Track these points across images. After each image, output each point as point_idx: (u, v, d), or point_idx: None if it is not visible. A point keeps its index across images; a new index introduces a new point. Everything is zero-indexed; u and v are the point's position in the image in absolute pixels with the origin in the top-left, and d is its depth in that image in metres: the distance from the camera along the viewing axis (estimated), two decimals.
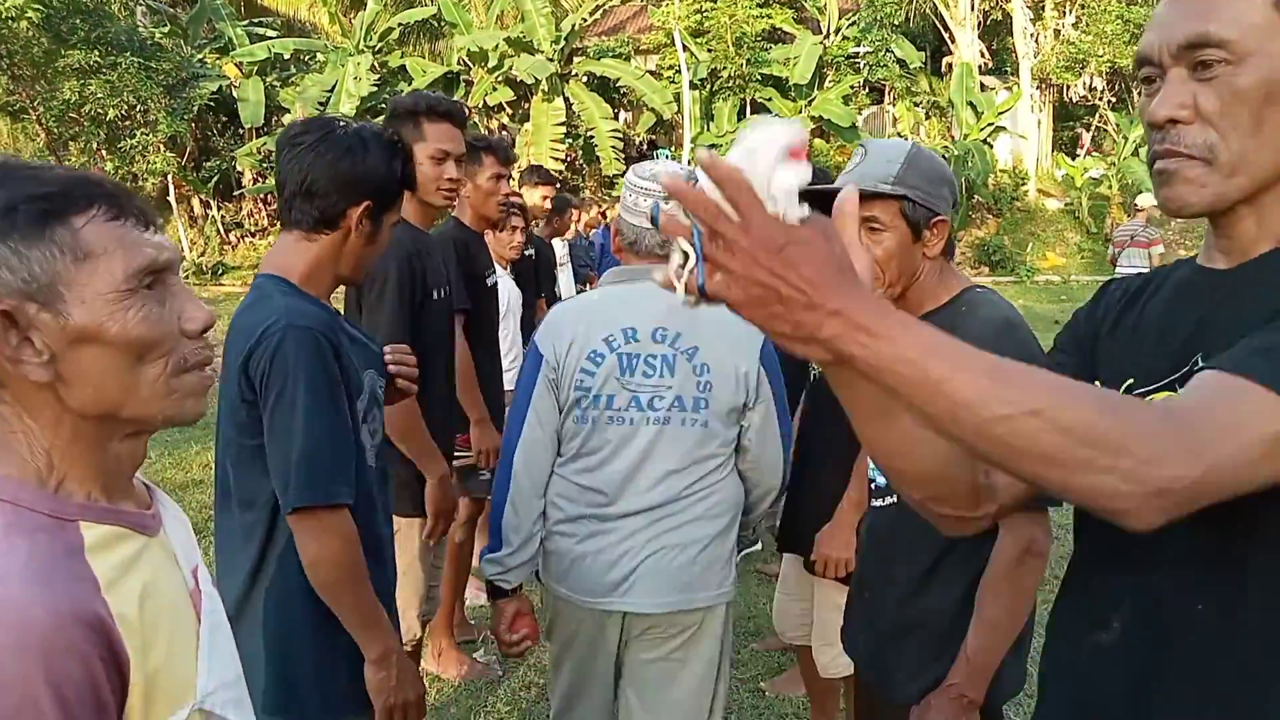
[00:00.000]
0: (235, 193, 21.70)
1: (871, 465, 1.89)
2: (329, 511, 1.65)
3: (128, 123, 19.53)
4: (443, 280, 2.68)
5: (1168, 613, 0.96)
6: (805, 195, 1.82)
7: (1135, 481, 0.75)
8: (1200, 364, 0.95)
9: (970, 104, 19.60)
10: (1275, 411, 0.79)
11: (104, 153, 21.02)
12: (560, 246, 6.32)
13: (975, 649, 1.63)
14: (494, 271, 3.45)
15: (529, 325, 4.37)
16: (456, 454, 2.89)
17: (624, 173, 17.31)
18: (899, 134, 21.09)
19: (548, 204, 5.24)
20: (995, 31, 22.20)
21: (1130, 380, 1.04)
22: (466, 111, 2.63)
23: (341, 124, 1.80)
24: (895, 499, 1.80)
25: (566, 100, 19.41)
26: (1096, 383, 1.07)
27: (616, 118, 20.20)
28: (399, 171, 1.81)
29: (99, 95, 18.68)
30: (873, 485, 1.91)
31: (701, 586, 2.02)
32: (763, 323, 0.77)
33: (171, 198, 21.04)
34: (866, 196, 1.70)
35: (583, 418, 1.98)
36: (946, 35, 21.16)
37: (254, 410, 1.66)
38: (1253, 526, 0.88)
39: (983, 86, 20.75)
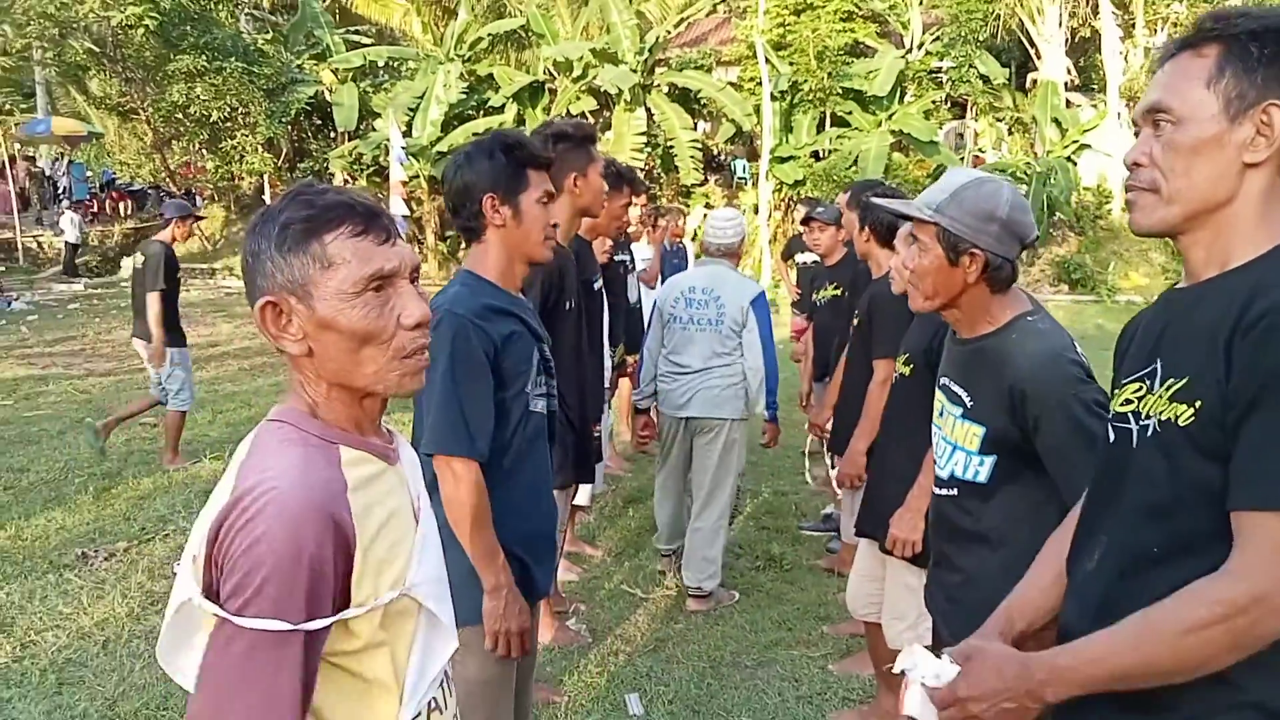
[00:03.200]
0: (323, 189, 22.57)
1: (936, 458, 2.14)
2: (461, 462, 1.98)
3: (229, 124, 20.45)
4: (574, 293, 3.00)
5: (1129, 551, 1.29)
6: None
7: (1263, 630, 1.12)
8: (1159, 362, 1.27)
9: (1055, 121, 19.39)
10: None
11: (205, 152, 22.06)
12: (646, 251, 6.64)
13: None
14: (599, 276, 3.77)
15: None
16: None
17: (702, 182, 17.56)
18: (979, 150, 20.98)
19: (639, 210, 5.58)
20: (1083, 49, 21.89)
21: (1118, 374, 1.39)
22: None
23: (463, 154, 2.18)
24: (955, 491, 2.05)
25: (648, 110, 19.76)
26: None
27: (696, 128, 20.48)
28: (504, 159, 2.12)
29: (204, 98, 19.62)
30: (937, 478, 2.14)
31: (721, 408, 4.10)
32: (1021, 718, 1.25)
33: (267, 197, 21.96)
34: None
35: (669, 329, 4.21)
36: (1033, 51, 20.95)
37: None
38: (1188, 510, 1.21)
39: (1068, 103, 20.52)
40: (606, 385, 4.14)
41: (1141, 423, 1.28)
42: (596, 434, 3.75)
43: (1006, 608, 1.50)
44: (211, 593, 1.12)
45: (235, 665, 1.08)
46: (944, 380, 2.10)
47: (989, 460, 1.97)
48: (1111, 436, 1.35)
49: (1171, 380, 1.24)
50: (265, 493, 1.11)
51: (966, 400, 2.01)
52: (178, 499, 5.38)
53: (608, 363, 4.09)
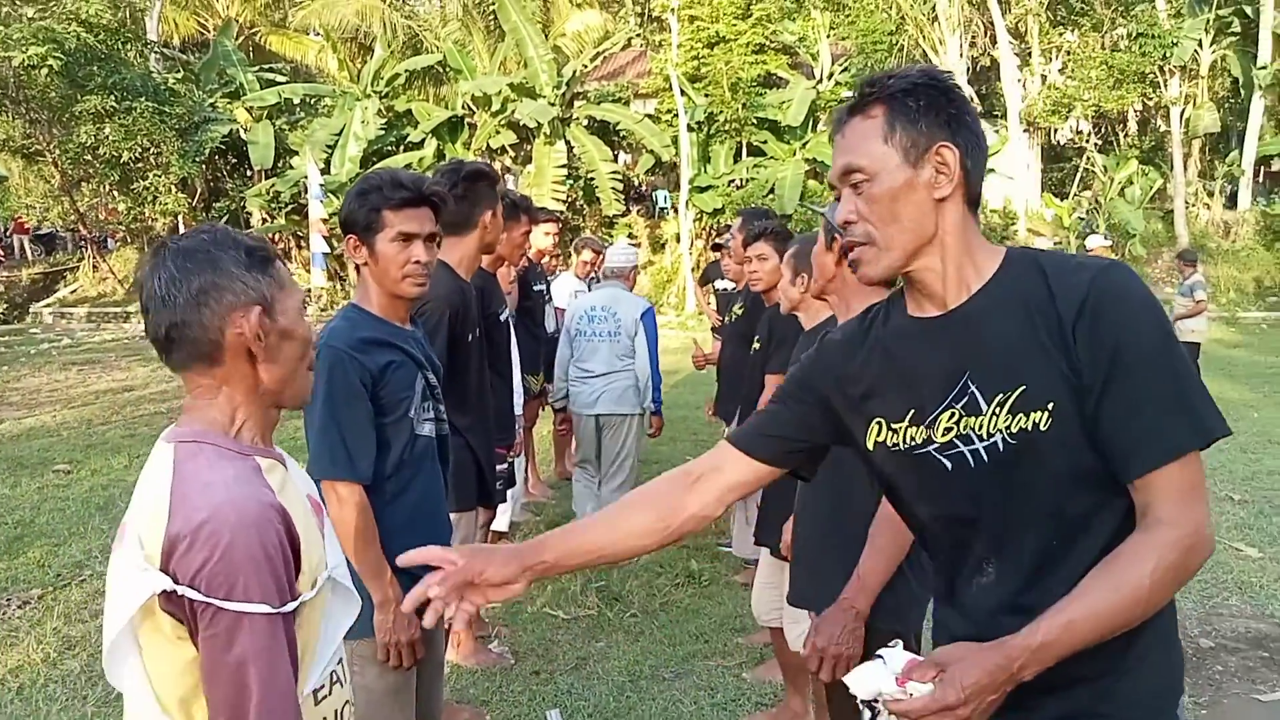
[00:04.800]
0: (245, 232, 22.22)
1: None
2: (344, 485, 2.12)
3: (140, 165, 20.07)
4: (475, 325, 3.11)
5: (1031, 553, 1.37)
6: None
7: (1199, 561, 1.28)
8: (970, 384, 1.35)
9: None
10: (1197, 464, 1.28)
11: (116, 193, 21.56)
12: (575, 283, 6.80)
13: (868, 570, 2.10)
14: (505, 307, 3.90)
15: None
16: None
17: (624, 213, 17.90)
18: None
19: (550, 240, 5.70)
20: (984, 77, 22.85)
21: (912, 410, 1.41)
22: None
23: None
24: None
25: (568, 143, 20.01)
26: (854, 415, 1.49)
27: (616, 160, 20.80)
28: (358, 202, 2.24)
29: (113, 138, 19.23)
30: None
31: (622, 405, 5.01)
32: (996, 707, 1.27)
33: None
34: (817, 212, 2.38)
35: (576, 342, 5.07)
36: None
37: None
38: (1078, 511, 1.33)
39: None
40: (519, 412, 4.24)
41: (984, 443, 1.34)
42: (510, 459, 3.87)
43: (545, 538, 1.55)
44: (183, 607, 1.24)
45: (242, 651, 1.22)
46: None
47: None
48: (948, 465, 1.38)
49: (1001, 395, 1.32)
50: (224, 504, 1.25)
51: None
52: (94, 544, 5.31)
53: (519, 391, 4.19)
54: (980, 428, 1.34)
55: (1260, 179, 22.37)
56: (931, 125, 1.36)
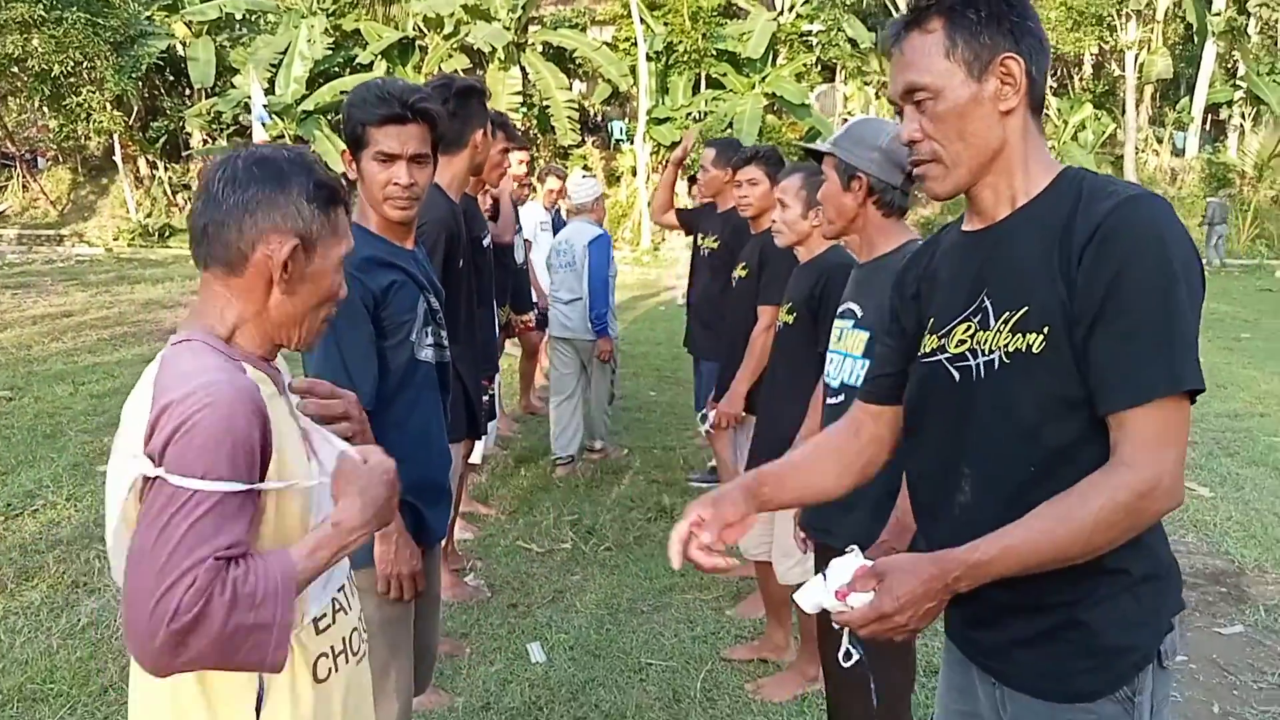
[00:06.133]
0: (184, 154, 21.41)
1: (828, 375, 2.36)
2: None
3: (73, 80, 19.12)
4: (465, 251, 3.00)
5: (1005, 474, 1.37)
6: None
7: (1156, 509, 1.26)
8: (986, 300, 1.37)
9: None
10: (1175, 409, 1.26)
11: (46, 110, 20.57)
12: (541, 213, 6.66)
13: (905, 510, 2.05)
14: (488, 232, 3.78)
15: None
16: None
17: (580, 144, 17.55)
18: (849, 113, 21.59)
19: (524, 168, 5.56)
20: None
21: (932, 319, 1.46)
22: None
23: None
24: (843, 397, 2.25)
25: (523, 69, 19.50)
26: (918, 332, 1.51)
27: (572, 88, 20.35)
28: (346, 118, 2.12)
29: (43, 51, 18.27)
30: (826, 386, 2.39)
31: (586, 330, 5.40)
32: (936, 616, 1.33)
33: (117, 157, 20.70)
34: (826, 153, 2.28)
35: (553, 273, 5.59)
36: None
37: None
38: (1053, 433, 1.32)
39: None
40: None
41: (985, 358, 1.36)
42: (491, 391, 3.79)
43: (760, 474, 1.55)
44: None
45: (167, 519, 1.15)
46: (841, 308, 2.33)
47: (868, 363, 2.17)
48: (956, 376, 1.40)
49: (1008, 313, 1.34)
50: (198, 386, 1.20)
51: (858, 312, 2.26)
52: (44, 473, 5.13)
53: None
54: (985, 343, 1.37)
55: (1207, 127, 22.71)
56: (995, 36, 1.34)
